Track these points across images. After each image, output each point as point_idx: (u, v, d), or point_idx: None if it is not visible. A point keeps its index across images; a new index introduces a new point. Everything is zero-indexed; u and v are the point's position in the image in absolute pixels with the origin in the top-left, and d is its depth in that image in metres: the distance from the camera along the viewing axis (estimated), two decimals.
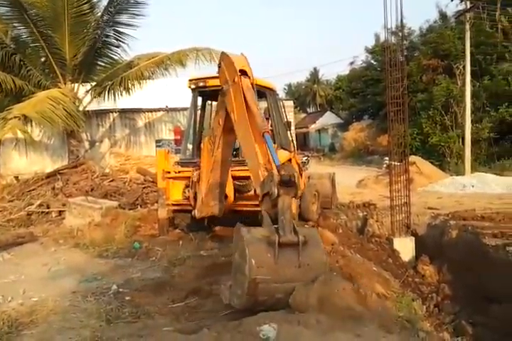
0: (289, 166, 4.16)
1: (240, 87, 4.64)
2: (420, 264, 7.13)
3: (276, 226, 3.59)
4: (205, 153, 6.22)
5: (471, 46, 19.08)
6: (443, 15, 28.05)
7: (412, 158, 14.28)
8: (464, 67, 19.72)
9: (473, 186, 13.83)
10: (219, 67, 5.30)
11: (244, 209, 6.95)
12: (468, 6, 19.05)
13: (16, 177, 15.56)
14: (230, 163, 6.17)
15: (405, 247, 7.59)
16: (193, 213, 6.66)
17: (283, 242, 3.40)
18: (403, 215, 7.86)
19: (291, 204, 3.68)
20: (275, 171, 3.73)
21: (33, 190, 11.12)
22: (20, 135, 12.24)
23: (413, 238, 7.75)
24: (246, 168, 7.08)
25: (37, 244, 7.62)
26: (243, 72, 4.79)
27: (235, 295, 3.58)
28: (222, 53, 5.37)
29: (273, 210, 3.72)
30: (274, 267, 3.35)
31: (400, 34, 9.87)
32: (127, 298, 4.78)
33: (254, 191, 7.13)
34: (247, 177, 7.04)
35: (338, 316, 3.62)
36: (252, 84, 4.81)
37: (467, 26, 18.74)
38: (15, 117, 11.11)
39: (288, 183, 3.62)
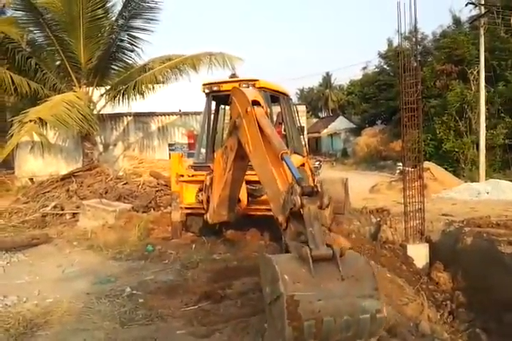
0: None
1: (253, 116, 4.45)
2: (434, 271, 7.06)
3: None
4: (217, 166, 6.16)
5: (485, 51, 18.91)
6: (457, 20, 27.89)
7: (426, 164, 14.14)
8: (478, 72, 19.55)
9: (488, 193, 13.67)
10: (230, 102, 5.20)
11: (258, 213, 6.94)
12: (483, 11, 18.91)
13: (31, 179, 15.77)
14: (242, 181, 6.04)
15: (419, 254, 7.52)
16: (205, 217, 6.68)
17: (316, 255, 2.84)
18: (417, 221, 7.79)
19: (319, 214, 3.22)
20: (295, 184, 3.36)
21: (48, 192, 11.23)
22: (35, 138, 12.41)
23: (427, 244, 7.68)
24: None
25: (51, 246, 7.67)
26: (256, 103, 4.62)
27: (276, 336, 2.85)
28: (234, 88, 5.35)
29: (299, 238, 3.24)
30: (313, 281, 2.74)
31: (414, 39, 9.84)
32: (141, 301, 4.80)
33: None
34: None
35: None
36: (266, 113, 4.62)
37: (481, 31, 18.58)
38: (30, 120, 11.27)
39: (311, 194, 3.25)
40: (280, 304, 2.71)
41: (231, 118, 5.21)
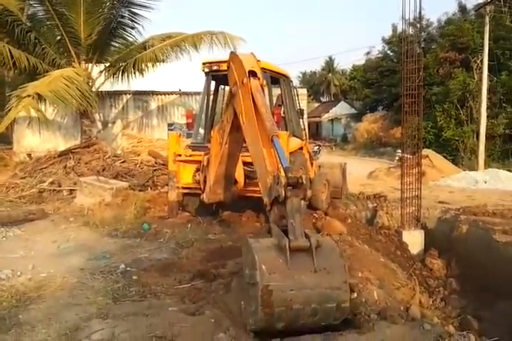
0: (297, 169, 3.91)
1: (249, 88, 4.39)
2: (428, 258, 7.09)
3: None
4: (213, 143, 6.15)
5: (489, 40, 18.72)
6: (462, 8, 27.55)
7: (425, 152, 14.15)
8: (481, 61, 19.39)
9: (485, 182, 13.68)
10: (228, 67, 5.09)
11: (254, 195, 6.92)
12: None
13: (29, 155, 15.76)
14: (238, 157, 6.07)
15: (414, 240, 7.54)
16: (201, 197, 6.69)
17: (294, 246, 3.11)
18: (413, 208, 7.79)
19: (301, 206, 3.41)
20: (282, 173, 3.49)
21: (45, 167, 11.20)
22: (33, 113, 12.30)
23: (422, 231, 7.70)
24: None
25: (47, 221, 7.68)
26: (252, 73, 4.53)
27: (250, 314, 3.18)
28: (231, 53, 5.22)
29: (282, 222, 3.45)
30: (287, 273, 3.04)
31: (418, 25, 9.70)
32: (134, 277, 4.81)
33: None
34: None
35: None
36: (261, 85, 4.55)
37: (487, 20, 18.37)
38: (28, 96, 11.14)
39: (296, 185, 3.37)
40: (255, 291, 3.02)
41: (229, 91, 5.15)
